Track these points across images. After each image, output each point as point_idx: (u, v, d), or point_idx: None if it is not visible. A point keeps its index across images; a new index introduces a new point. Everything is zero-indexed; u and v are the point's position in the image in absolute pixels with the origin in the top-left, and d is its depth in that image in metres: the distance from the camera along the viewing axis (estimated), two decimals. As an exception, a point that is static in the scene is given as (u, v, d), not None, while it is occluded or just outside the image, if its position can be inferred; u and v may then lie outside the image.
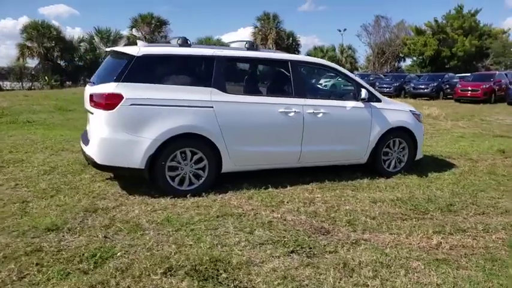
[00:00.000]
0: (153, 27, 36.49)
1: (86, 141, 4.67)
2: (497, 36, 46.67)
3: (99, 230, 3.55)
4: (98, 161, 4.34)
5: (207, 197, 4.53)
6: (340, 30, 63.41)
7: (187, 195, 4.49)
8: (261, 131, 4.84)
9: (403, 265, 3.06)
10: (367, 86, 5.52)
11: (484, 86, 19.85)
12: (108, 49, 4.87)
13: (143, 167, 4.36)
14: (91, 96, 4.45)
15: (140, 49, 4.45)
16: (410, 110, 5.87)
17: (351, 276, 2.89)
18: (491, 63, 48.08)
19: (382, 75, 32.36)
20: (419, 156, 5.94)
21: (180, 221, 3.79)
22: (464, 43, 41.60)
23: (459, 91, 20.43)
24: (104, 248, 3.21)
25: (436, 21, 43.40)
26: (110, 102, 4.24)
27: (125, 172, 4.53)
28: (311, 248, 3.34)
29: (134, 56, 4.38)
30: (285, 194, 4.72)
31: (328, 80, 16.57)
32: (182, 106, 4.46)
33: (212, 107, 4.55)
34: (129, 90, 4.27)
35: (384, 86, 25.06)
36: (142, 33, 36.04)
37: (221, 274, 2.85)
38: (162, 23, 36.95)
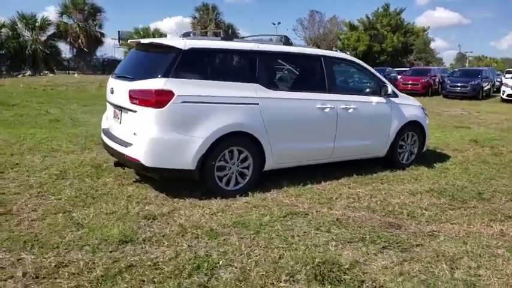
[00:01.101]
0: (87, 14, 34.05)
1: (121, 142, 4.29)
2: (418, 34, 50.58)
3: (178, 239, 3.32)
4: (147, 164, 4.02)
5: (254, 196, 4.41)
6: (274, 24, 64.35)
7: (236, 195, 4.36)
8: (301, 128, 4.82)
9: (493, 253, 3.26)
10: (387, 81, 5.72)
11: (423, 80, 21.53)
12: (143, 40, 4.46)
13: (193, 168, 4.13)
14: (132, 92, 4.09)
15: (186, 42, 4.18)
16: (420, 105, 6.20)
17: (458, 268, 3.01)
18: (414, 59, 52.14)
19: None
20: (425, 148, 6.30)
21: (252, 223, 3.66)
22: (393, 39, 44.50)
23: (401, 84, 21.88)
24: (199, 257, 3.01)
25: (367, 17, 45.85)
26: (160, 99, 3.94)
27: (174, 174, 4.24)
28: (398, 243, 3.42)
29: (181, 50, 4.10)
30: (327, 190, 4.75)
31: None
32: (231, 103, 4.28)
33: (258, 104, 4.43)
34: (180, 87, 4.00)
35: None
36: (74, 20, 33.47)
37: (342, 275, 2.82)
38: (96, 10, 34.59)
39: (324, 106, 4.92)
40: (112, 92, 4.48)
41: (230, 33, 46.58)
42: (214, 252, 3.11)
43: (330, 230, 3.64)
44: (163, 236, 3.37)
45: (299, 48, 5.10)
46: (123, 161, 4.42)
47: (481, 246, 3.38)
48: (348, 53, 49.74)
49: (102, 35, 36.07)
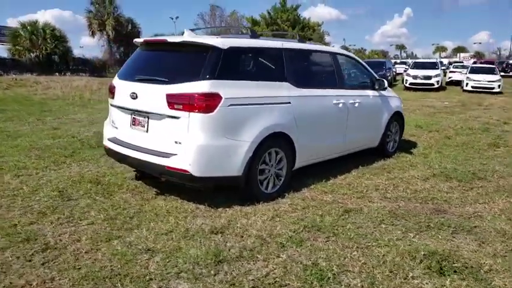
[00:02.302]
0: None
1: (154, 152, 3.86)
2: (314, 28, 53.84)
3: (268, 250, 3.13)
4: (196, 174, 3.67)
5: (291, 197, 4.34)
6: (172, 18, 62.65)
7: (275, 198, 4.26)
8: (323, 124, 4.86)
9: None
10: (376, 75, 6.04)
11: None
12: (171, 39, 3.94)
13: (241, 174, 3.90)
14: (173, 97, 3.69)
15: (223, 41, 3.89)
16: (399, 97, 6.66)
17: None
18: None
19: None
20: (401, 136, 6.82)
21: (322, 225, 3.61)
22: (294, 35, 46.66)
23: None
24: (310, 267, 2.90)
25: (269, 13, 47.30)
26: (210, 103, 3.63)
27: (221, 182, 3.94)
28: (458, 226, 3.67)
29: (222, 49, 3.81)
30: (350, 184, 4.87)
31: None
32: (270, 104, 4.14)
33: (290, 103, 4.35)
34: (225, 89, 3.73)
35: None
36: None
37: (452, 264, 2.94)
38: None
39: (338, 102, 5.02)
40: (134, 97, 3.97)
41: (130, 28, 44.22)
42: (318, 259, 3.01)
43: (393, 222, 3.76)
44: (251, 250, 3.14)
45: (316, 45, 5.12)
46: (158, 174, 3.98)
47: (529, 222, 3.80)
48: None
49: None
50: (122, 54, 45.80)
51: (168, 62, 4.10)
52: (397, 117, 6.41)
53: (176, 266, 2.87)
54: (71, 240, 3.24)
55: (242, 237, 3.37)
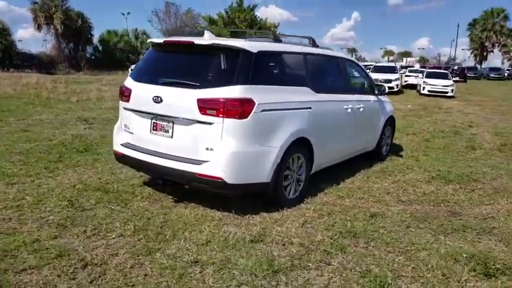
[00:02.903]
0: None
1: (182, 159, 3.71)
2: (271, 29, 54.40)
3: (316, 258, 3.12)
4: (230, 181, 3.58)
5: (312, 202, 4.36)
6: (123, 14, 60.41)
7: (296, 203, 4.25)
8: (336, 129, 4.93)
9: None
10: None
11: None
12: (199, 40, 3.75)
13: (269, 180, 3.85)
14: (206, 102, 3.56)
15: (252, 44, 3.82)
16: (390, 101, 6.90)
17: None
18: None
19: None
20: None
21: (354, 231, 3.64)
22: (252, 34, 46.75)
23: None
24: (369, 275, 2.92)
25: (226, 12, 47.06)
26: (244, 109, 3.55)
27: (251, 189, 3.86)
28: (479, 229, 3.86)
29: (252, 53, 3.74)
30: (359, 187, 4.97)
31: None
32: (294, 109, 4.12)
33: (310, 108, 4.35)
34: (257, 94, 3.67)
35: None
36: None
37: (492, 266, 3.09)
38: None
39: (347, 107, 5.10)
40: (158, 101, 3.78)
41: (81, 23, 42.17)
42: (370, 265, 3.04)
43: (419, 225, 3.89)
44: (299, 258, 3.11)
45: (328, 50, 5.15)
46: (185, 181, 3.83)
47: (533, 219, 4.08)
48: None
49: None
50: (72, 50, 43.69)
51: (196, 65, 3.95)
52: (391, 121, 6.63)
53: (234, 279, 2.78)
54: (108, 254, 3.04)
55: (284, 245, 3.33)
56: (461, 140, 8.60)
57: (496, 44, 56.34)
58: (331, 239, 3.47)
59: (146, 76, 4.08)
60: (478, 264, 3.08)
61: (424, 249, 3.35)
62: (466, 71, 37.11)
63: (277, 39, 4.37)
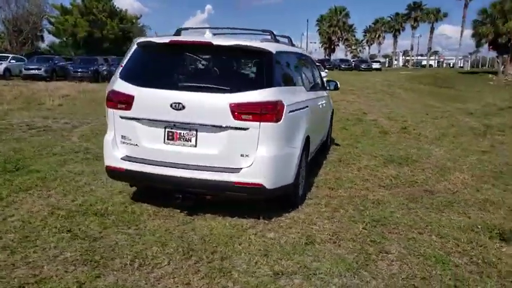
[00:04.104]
0: None
1: (212, 168, 3.47)
2: (133, 21, 51.67)
3: (375, 251, 3.31)
4: (270, 186, 3.50)
5: (309, 197, 4.52)
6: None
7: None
8: (317, 124, 5.15)
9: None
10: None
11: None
12: (218, 41, 3.37)
13: (293, 181, 3.88)
14: (241, 106, 3.36)
15: (271, 45, 3.75)
16: (328, 95, 7.42)
17: None
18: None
19: (21, 58, 28.56)
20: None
21: (377, 218, 3.93)
22: (114, 26, 43.81)
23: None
24: (435, 258, 3.21)
25: (83, 1, 43.01)
26: (278, 112, 3.49)
27: (279, 192, 3.76)
28: (461, 202, 4.54)
29: (273, 54, 3.67)
30: (338, 178, 5.29)
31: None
32: (302, 108, 4.18)
33: (308, 107, 4.48)
34: (284, 96, 3.64)
35: (80, 70, 23.66)
36: None
37: None
38: None
39: (321, 102, 5.39)
40: (179, 108, 3.40)
41: None
42: (421, 249, 3.35)
43: (416, 206, 4.36)
44: (361, 253, 3.25)
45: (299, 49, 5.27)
46: (219, 191, 3.56)
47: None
48: (65, 39, 45.51)
49: None
50: None
51: (220, 67, 3.67)
52: (332, 113, 7.16)
53: (330, 283, 2.78)
54: (183, 284, 2.70)
55: (335, 242, 3.43)
56: (369, 126, 9.73)
57: (340, 39, 64.12)
58: (365, 229, 3.69)
59: (156, 80, 3.64)
60: (491, 231, 3.66)
61: (442, 226, 3.81)
62: (325, 63, 41.35)
63: (291, 41, 4.35)
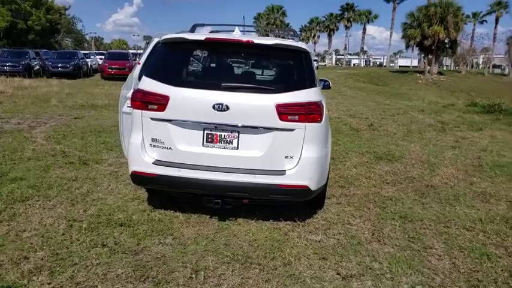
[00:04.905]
0: None
1: (256, 172, 3.35)
2: (61, 12, 48.25)
3: (419, 247, 3.41)
4: (314, 188, 3.45)
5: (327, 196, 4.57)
6: None
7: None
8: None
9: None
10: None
11: (128, 64, 21.85)
12: (259, 40, 3.17)
13: (326, 181, 3.87)
14: (288, 107, 3.26)
15: (303, 44, 3.68)
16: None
17: None
18: (61, 39, 49.46)
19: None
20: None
21: (400, 214, 4.06)
22: (40, 17, 40.59)
23: (107, 69, 21.39)
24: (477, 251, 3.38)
25: (4, -11, 39.23)
26: (321, 112, 3.46)
27: (316, 194, 3.72)
28: (460, 195, 4.84)
29: (309, 53, 3.62)
30: (341, 176, 5.41)
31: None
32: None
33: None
34: (320, 96, 3.61)
35: (9, 64, 21.43)
36: None
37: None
38: None
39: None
40: (222, 109, 3.21)
41: None
42: (461, 242, 3.51)
43: (428, 201, 4.57)
44: (409, 250, 3.33)
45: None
46: (264, 195, 3.40)
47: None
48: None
49: None
50: None
51: (258, 67, 3.51)
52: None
53: (404, 283, 2.81)
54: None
55: (380, 241, 3.48)
56: (337, 123, 9.97)
57: (277, 37, 65.06)
58: (400, 227, 3.79)
59: (195, 80, 3.41)
60: (506, 222, 3.95)
61: (462, 219, 4.02)
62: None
63: (297, 36, 4.27)
